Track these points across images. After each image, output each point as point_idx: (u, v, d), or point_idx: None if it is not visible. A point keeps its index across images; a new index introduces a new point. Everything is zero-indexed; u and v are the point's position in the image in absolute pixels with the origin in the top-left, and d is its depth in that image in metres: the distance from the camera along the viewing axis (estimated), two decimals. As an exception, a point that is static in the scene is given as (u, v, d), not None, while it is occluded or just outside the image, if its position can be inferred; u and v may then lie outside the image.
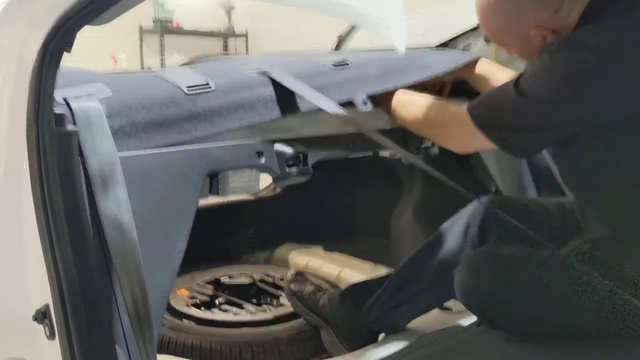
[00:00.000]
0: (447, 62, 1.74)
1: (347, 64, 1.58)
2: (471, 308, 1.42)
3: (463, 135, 1.38)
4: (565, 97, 1.23)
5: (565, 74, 1.23)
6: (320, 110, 1.38)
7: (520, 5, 1.32)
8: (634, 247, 1.25)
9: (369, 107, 1.51)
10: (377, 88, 1.57)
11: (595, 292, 1.22)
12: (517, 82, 1.28)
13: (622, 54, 1.18)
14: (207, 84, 1.31)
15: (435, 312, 1.70)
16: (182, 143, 1.22)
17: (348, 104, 1.49)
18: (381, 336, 1.66)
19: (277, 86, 1.39)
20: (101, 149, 1.07)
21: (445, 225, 1.62)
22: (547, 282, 1.25)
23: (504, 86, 1.32)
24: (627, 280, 1.22)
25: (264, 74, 1.41)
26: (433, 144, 1.69)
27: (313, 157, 1.42)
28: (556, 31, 1.30)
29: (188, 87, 1.27)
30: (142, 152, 1.17)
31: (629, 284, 1.21)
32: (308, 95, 1.36)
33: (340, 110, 1.30)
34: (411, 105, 1.52)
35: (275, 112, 1.36)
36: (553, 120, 1.26)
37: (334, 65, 1.55)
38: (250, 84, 1.36)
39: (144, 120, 1.18)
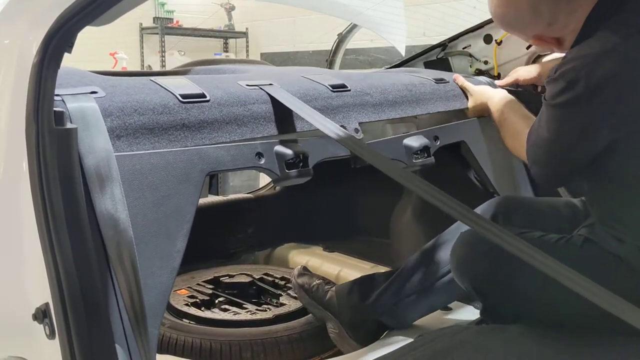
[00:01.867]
0: (437, 103, 1.81)
1: (347, 89, 1.60)
2: (464, 283, 1.44)
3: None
4: (557, 135, 1.26)
5: (552, 112, 1.26)
6: None
7: (517, 18, 1.36)
8: (631, 237, 1.26)
9: (360, 135, 1.55)
10: (371, 117, 1.61)
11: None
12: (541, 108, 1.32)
13: (597, 89, 1.17)
14: (203, 94, 1.32)
15: (436, 311, 1.70)
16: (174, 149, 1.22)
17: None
18: (382, 334, 1.67)
19: (275, 104, 1.40)
20: (97, 148, 1.08)
21: (455, 224, 1.64)
22: None
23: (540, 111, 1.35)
24: (621, 260, 1.23)
25: (263, 90, 1.43)
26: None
27: (314, 158, 1.42)
28: (558, 40, 1.34)
29: (183, 96, 1.28)
30: (142, 151, 1.17)
31: (623, 264, 1.23)
32: (307, 116, 1.37)
33: (339, 132, 1.31)
34: (502, 125, 1.64)
35: (269, 129, 1.38)
36: (554, 157, 1.29)
37: (333, 89, 1.57)
38: (246, 99, 1.38)
39: (135, 123, 1.18)
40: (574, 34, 1.28)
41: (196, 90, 1.33)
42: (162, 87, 1.31)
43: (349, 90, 1.60)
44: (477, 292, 1.43)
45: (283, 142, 1.38)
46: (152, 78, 1.37)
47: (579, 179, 1.38)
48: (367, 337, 1.63)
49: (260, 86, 1.44)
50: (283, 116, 1.41)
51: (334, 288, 1.73)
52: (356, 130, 1.54)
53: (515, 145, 1.53)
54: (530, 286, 1.31)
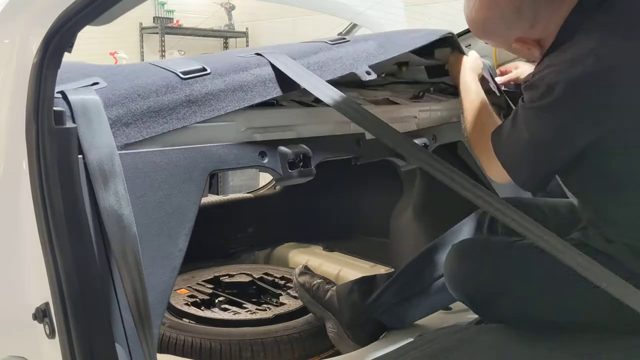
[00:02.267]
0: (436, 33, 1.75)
1: (346, 40, 1.57)
2: (457, 295, 1.44)
3: (492, 163, 1.35)
4: (538, 136, 1.25)
5: (532, 115, 1.26)
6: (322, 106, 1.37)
7: (499, 21, 1.33)
8: (618, 235, 1.27)
9: (373, 76, 1.50)
10: (378, 58, 1.55)
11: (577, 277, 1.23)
12: (515, 110, 1.31)
13: (574, 91, 1.19)
14: (203, 68, 1.30)
15: (436, 311, 1.71)
16: (183, 128, 1.22)
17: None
18: (381, 335, 1.67)
19: (275, 68, 1.37)
20: (100, 144, 1.07)
21: (456, 225, 1.65)
22: (529, 266, 1.27)
23: (512, 113, 1.33)
24: (612, 260, 1.23)
25: (259, 55, 1.40)
26: (427, 146, 1.69)
27: (316, 158, 1.42)
28: (539, 42, 1.33)
29: (183, 72, 1.26)
30: (145, 150, 1.16)
31: (614, 263, 1.22)
32: (301, 80, 1.33)
33: (334, 95, 1.26)
34: (468, 113, 1.53)
35: (276, 90, 1.35)
36: (535, 157, 1.28)
37: (332, 42, 1.54)
38: (247, 65, 1.35)
39: (140, 108, 1.17)
40: (553, 35, 1.29)
41: (196, 65, 1.30)
42: (162, 68, 1.29)
43: (348, 41, 1.57)
44: (471, 303, 1.44)
45: (286, 142, 1.38)
46: (152, 62, 1.35)
47: (572, 184, 1.38)
48: (366, 337, 1.63)
49: (258, 53, 1.42)
50: (286, 77, 1.37)
51: (334, 287, 1.74)
52: (368, 73, 1.50)
53: (480, 143, 1.45)
54: (523, 295, 1.33)
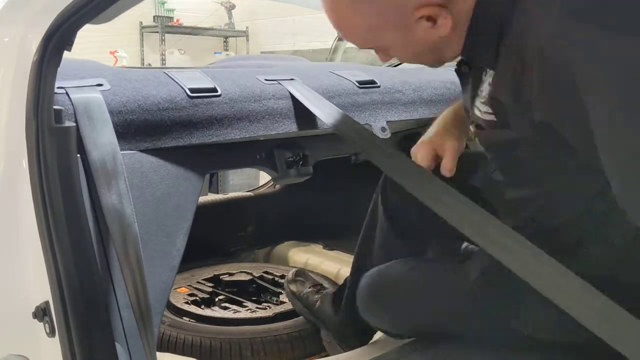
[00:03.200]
0: None
1: (376, 85, 1.51)
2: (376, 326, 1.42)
3: None
4: None
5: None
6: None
7: None
8: None
9: (387, 134, 1.43)
10: (402, 116, 1.50)
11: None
12: None
13: None
14: (215, 89, 1.26)
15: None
16: (175, 147, 1.19)
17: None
18: (379, 335, 1.66)
19: (295, 100, 1.33)
20: (103, 142, 1.07)
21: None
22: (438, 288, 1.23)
23: None
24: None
25: (281, 85, 1.35)
26: None
27: (314, 157, 1.41)
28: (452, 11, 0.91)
29: (192, 90, 1.23)
30: (143, 149, 1.16)
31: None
32: (323, 115, 1.24)
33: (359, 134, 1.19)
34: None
35: (284, 126, 1.30)
36: None
37: (360, 85, 1.48)
38: (262, 94, 1.31)
39: (137, 120, 1.15)
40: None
41: (208, 84, 1.27)
42: (173, 79, 1.26)
43: (378, 87, 1.51)
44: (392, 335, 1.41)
45: (283, 141, 1.38)
46: (167, 71, 1.32)
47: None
48: (355, 343, 1.59)
49: (279, 81, 1.37)
50: (302, 113, 1.33)
51: (322, 296, 1.70)
52: (383, 130, 1.44)
53: None
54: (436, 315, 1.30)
